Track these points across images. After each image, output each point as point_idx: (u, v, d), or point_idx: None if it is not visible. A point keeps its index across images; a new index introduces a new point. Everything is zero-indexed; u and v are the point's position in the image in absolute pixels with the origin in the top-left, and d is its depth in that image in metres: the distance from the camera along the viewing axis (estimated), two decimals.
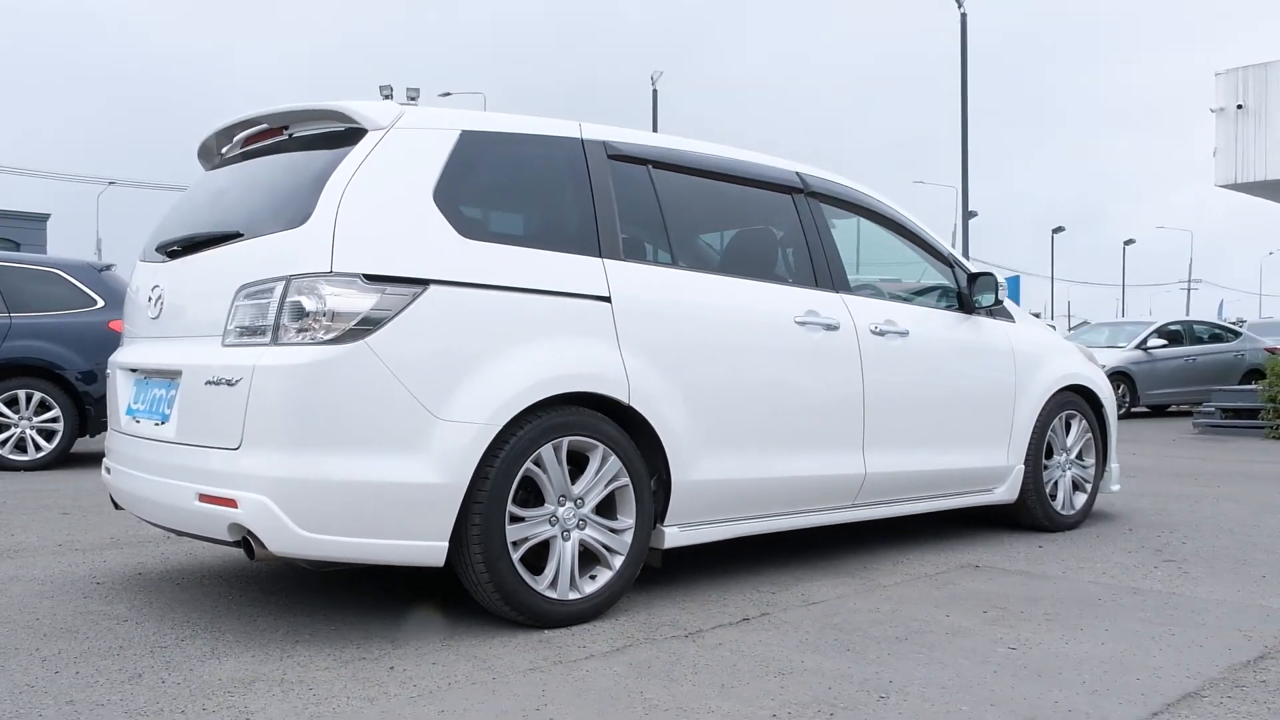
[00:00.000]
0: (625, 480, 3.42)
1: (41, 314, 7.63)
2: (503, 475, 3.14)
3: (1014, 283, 21.81)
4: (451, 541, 3.08)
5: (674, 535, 3.62)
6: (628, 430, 3.45)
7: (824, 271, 4.18)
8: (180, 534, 3.29)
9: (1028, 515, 5.02)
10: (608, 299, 3.43)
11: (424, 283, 3.06)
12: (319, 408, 2.92)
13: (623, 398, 3.40)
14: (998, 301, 4.77)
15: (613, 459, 3.39)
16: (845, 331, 4.11)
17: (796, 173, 4.27)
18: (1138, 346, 15.00)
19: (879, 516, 4.38)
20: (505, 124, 3.44)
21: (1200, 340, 15.87)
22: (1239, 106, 14.28)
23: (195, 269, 3.32)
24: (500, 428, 3.12)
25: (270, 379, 2.92)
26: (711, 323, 3.71)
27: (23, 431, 7.51)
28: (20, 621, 3.30)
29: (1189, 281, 65.71)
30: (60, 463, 7.66)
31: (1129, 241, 63.75)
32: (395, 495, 2.99)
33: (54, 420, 7.57)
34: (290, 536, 2.90)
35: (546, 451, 3.25)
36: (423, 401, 3.01)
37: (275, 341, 2.96)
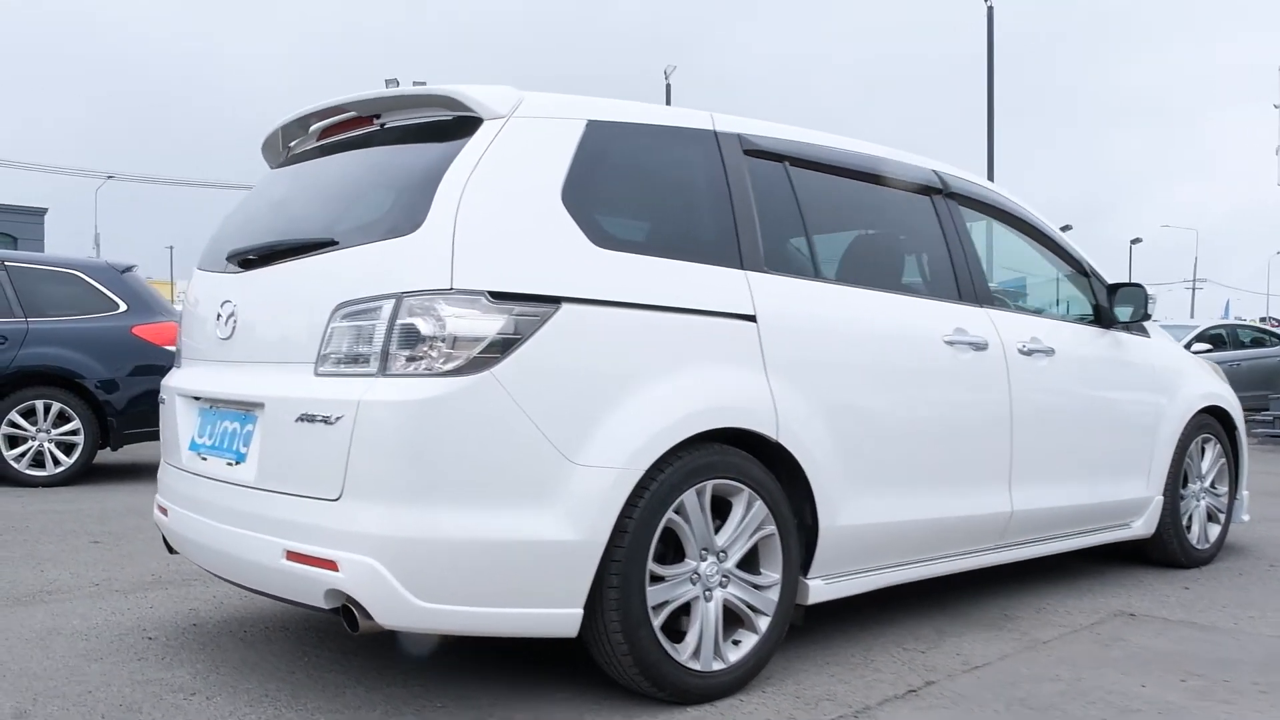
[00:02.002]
0: (771, 528, 2.95)
1: (60, 318, 7.13)
2: (643, 528, 2.66)
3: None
4: (584, 608, 2.60)
5: (819, 589, 3.14)
6: (771, 470, 2.97)
7: (967, 283, 3.70)
8: (259, 594, 2.80)
9: (1162, 551, 4.55)
10: (753, 318, 2.95)
11: (555, 301, 2.58)
12: (437, 452, 2.44)
13: (770, 433, 2.92)
14: (1145, 316, 4.28)
15: (758, 504, 2.91)
16: (993, 351, 3.63)
17: (934, 171, 3.79)
18: None
19: (1020, 559, 3.90)
20: (633, 113, 2.95)
21: (1243, 344, 15.42)
22: None
23: (278, 283, 2.83)
24: (643, 472, 2.64)
25: (379, 417, 2.43)
26: (859, 344, 3.23)
27: (41, 445, 7.00)
28: (71, 695, 2.81)
29: (1194, 281, 65.30)
30: (80, 477, 7.16)
31: (1136, 240, 63.25)
32: (525, 555, 2.51)
33: (74, 433, 7.06)
34: (403, 607, 2.42)
35: (689, 498, 2.77)
36: (555, 443, 2.53)
37: (383, 372, 2.48)
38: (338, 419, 2.47)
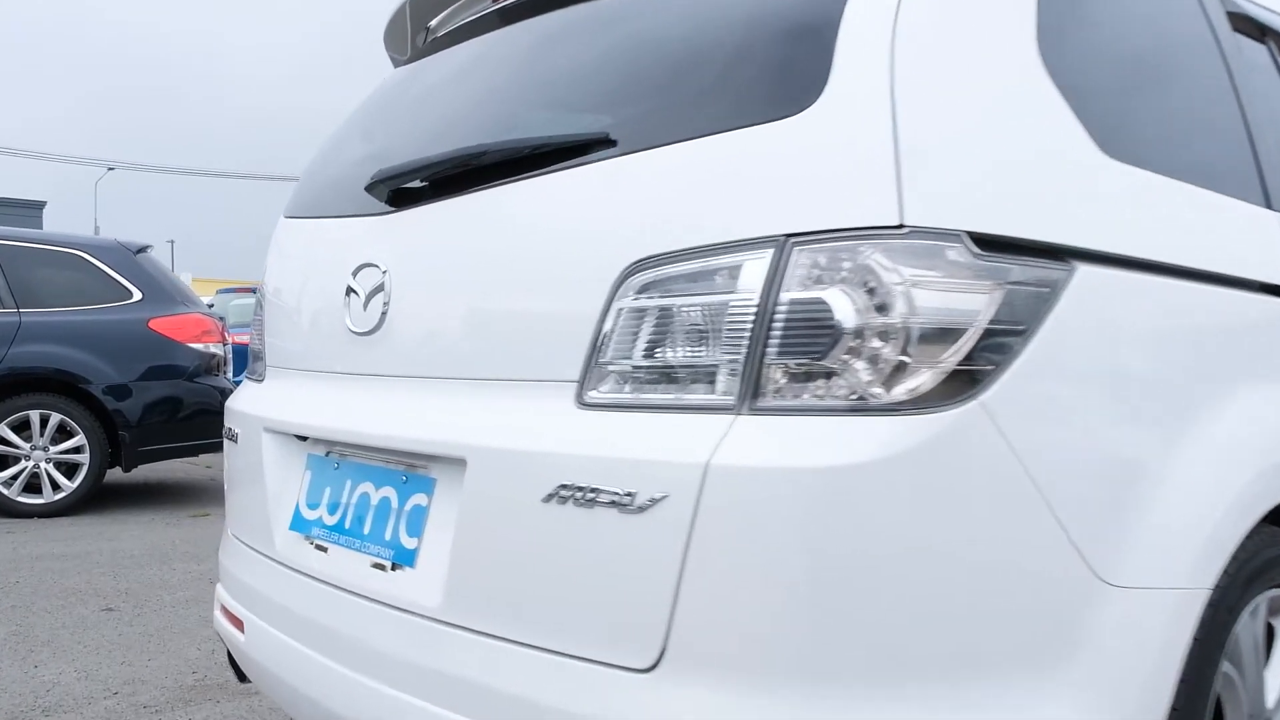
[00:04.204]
0: None
1: (61, 309, 5.83)
2: (1196, 694, 1.37)
3: None
4: None
5: None
6: None
7: None
8: None
9: None
10: None
11: (1062, 256, 1.28)
12: (877, 576, 1.14)
13: None
14: None
15: None
16: None
17: None
18: None
19: None
20: None
21: None
22: None
23: (478, 227, 1.52)
24: (1209, 591, 1.36)
25: (756, 501, 1.14)
26: None
27: (36, 465, 5.69)
28: None
29: None
30: (85, 505, 5.85)
31: None
32: None
33: (77, 450, 5.75)
34: None
35: (1243, 628, 1.49)
36: (1079, 544, 1.24)
37: (750, 404, 1.18)
38: (652, 501, 1.18)
